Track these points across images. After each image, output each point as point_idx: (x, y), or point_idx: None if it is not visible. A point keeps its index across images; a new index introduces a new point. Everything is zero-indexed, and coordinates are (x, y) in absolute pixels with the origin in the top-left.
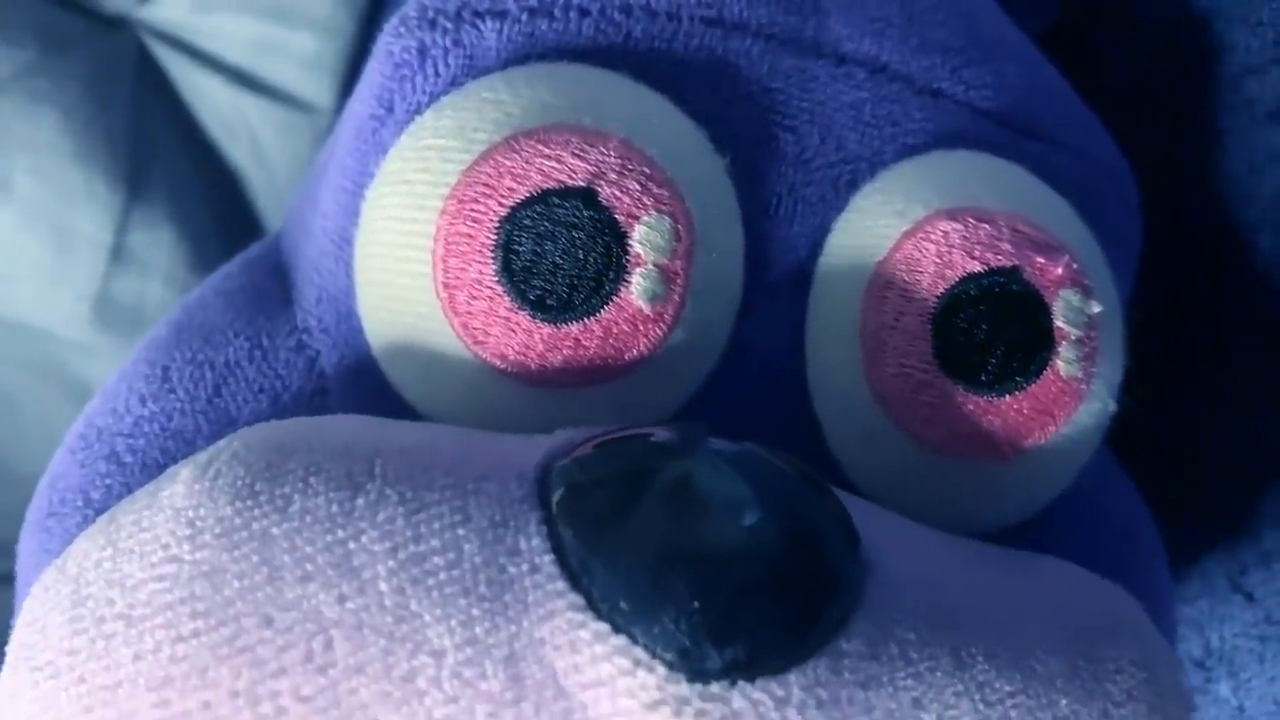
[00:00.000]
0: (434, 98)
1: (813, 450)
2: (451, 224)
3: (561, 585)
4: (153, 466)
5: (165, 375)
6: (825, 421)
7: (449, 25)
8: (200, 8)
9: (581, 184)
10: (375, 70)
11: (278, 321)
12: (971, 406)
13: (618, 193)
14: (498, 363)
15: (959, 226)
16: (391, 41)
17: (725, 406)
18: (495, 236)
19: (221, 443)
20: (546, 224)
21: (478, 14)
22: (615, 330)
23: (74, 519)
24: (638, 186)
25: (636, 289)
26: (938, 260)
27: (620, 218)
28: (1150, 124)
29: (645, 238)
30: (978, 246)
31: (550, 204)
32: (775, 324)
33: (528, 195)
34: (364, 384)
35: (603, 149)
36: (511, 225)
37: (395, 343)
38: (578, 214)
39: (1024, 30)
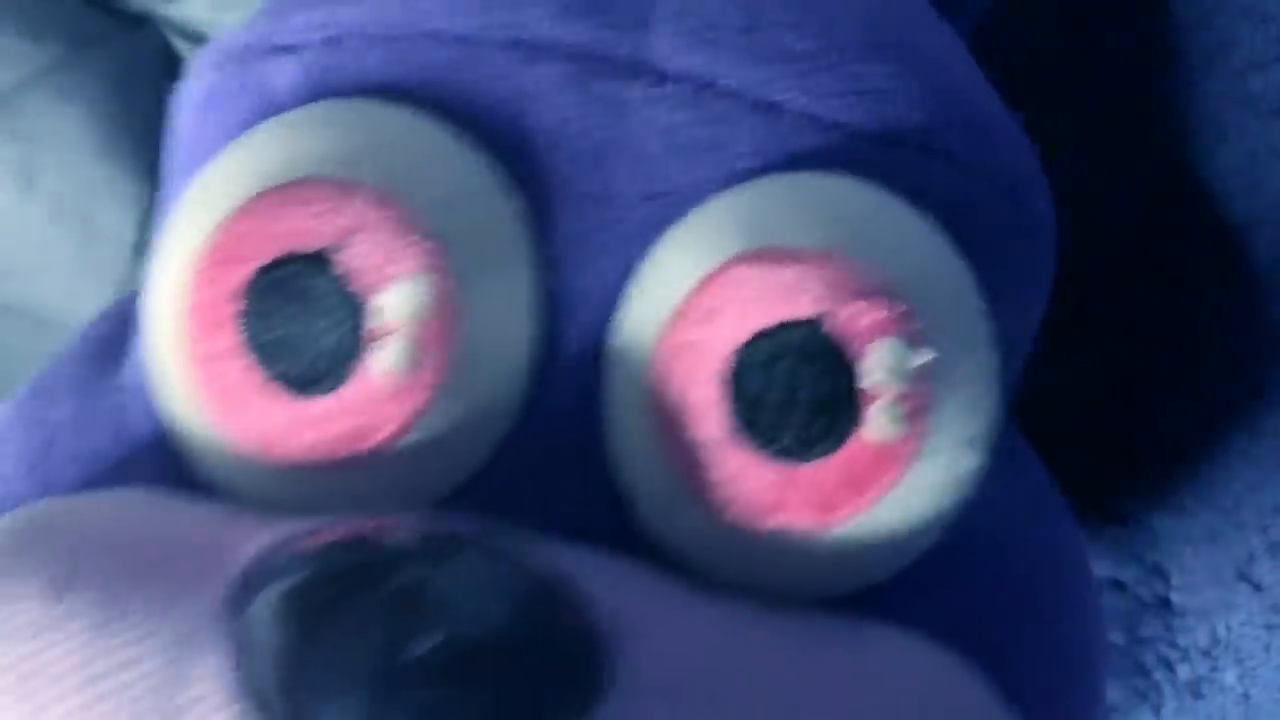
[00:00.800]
0: (223, 144)
1: (616, 521)
2: (196, 292)
3: (229, 712)
4: None
5: (3, 437)
6: (626, 491)
7: (234, 68)
8: (220, 6)
9: (319, 248)
10: (177, 115)
11: (106, 381)
12: (773, 476)
13: (360, 255)
14: (245, 439)
15: (754, 274)
16: (189, 84)
17: (521, 477)
18: (237, 306)
19: None
20: (282, 294)
21: (265, 52)
22: (361, 406)
23: None
24: (384, 249)
25: (383, 361)
26: (729, 314)
27: (362, 284)
28: (1152, 120)
29: (392, 303)
30: (773, 298)
31: (288, 271)
32: (572, 388)
33: (269, 260)
34: (164, 453)
35: (349, 207)
36: (252, 294)
37: (167, 413)
38: (314, 282)
39: (953, 22)
